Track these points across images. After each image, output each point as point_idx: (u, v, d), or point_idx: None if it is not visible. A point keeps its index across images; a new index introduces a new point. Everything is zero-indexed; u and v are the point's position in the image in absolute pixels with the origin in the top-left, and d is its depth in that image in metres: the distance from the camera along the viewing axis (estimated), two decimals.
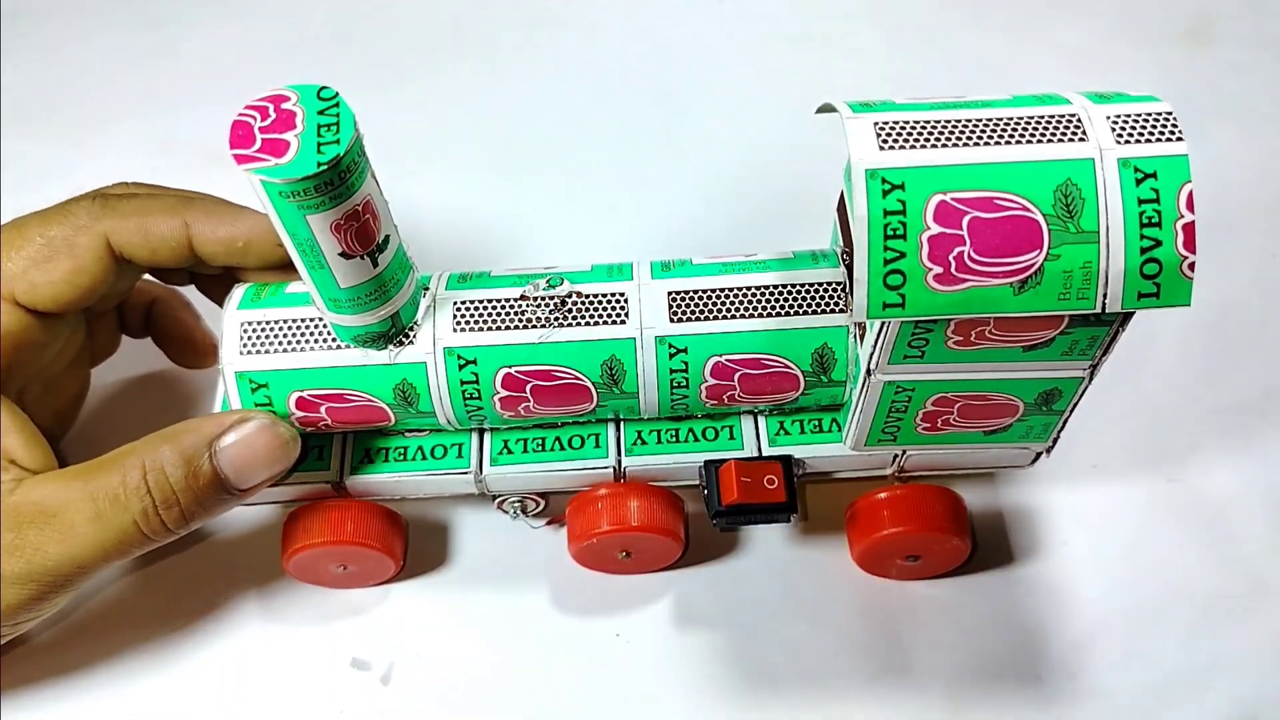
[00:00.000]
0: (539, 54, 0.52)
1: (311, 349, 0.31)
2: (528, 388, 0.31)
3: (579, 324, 0.31)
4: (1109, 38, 0.52)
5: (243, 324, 0.31)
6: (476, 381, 0.31)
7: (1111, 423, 0.40)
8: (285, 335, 0.31)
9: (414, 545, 0.38)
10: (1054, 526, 0.38)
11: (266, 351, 0.31)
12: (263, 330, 0.31)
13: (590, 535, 0.34)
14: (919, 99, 0.26)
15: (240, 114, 0.26)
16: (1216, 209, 0.46)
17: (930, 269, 0.25)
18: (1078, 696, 0.35)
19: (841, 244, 0.32)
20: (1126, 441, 0.40)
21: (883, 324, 0.27)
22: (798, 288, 0.31)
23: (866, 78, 0.50)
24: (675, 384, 0.32)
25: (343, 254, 0.27)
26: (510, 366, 0.31)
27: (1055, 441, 0.33)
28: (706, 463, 0.33)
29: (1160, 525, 0.38)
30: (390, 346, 0.31)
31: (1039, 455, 0.34)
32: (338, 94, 0.26)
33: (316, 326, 0.31)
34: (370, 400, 0.31)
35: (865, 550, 0.36)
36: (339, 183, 0.26)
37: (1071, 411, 0.31)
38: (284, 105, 0.26)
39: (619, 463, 0.34)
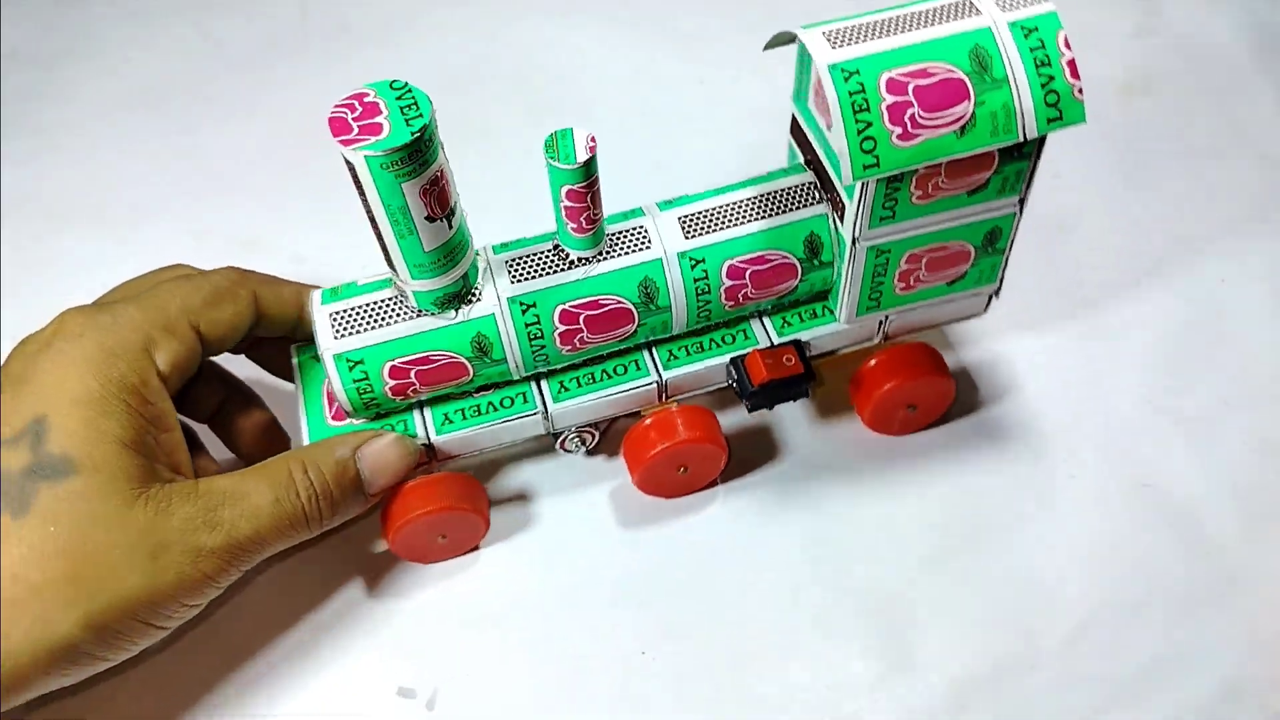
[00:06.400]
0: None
1: (395, 323, 0.36)
2: (581, 318, 0.37)
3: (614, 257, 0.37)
4: None
5: (331, 315, 0.36)
6: (538, 323, 0.36)
7: (1086, 436, 0.44)
8: (370, 316, 0.36)
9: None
10: (1039, 531, 0.41)
11: (357, 332, 0.36)
12: (350, 316, 0.36)
13: (648, 457, 0.39)
14: (848, 15, 0.34)
15: (333, 113, 0.31)
16: (1171, 240, 0.50)
17: (892, 130, 0.32)
18: (1071, 683, 0.38)
19: (802, 156, 0.39)
20: (1101, 453, 0.43)
21: (861, 192, 0.34)
22: (779, 193, 0.38)
23: None
24: (700, 291, 0.38)
25: (428, 217, 0.32)
26: (564, 303, 0.36)
27: (1001, 282, 0.40)
28: (732, 360, 0.40)
29: (1137, 526, 0.41)
30: (463, 305, 0.36)
31: (990, 300, 0.41)
32: (407, 83, 0.31)
33: (395, 303, 0.36)
34: (452, 357, 0.36)
35: (873, 410, 0.42)
36: (424, 150, 0.31)
37: (1010, 249, 0.39)
38: (366, 100, 0.31)
39: (660, 378, 0.39)
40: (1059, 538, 0.41)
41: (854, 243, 0.36)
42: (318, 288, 0.38)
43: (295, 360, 0.40)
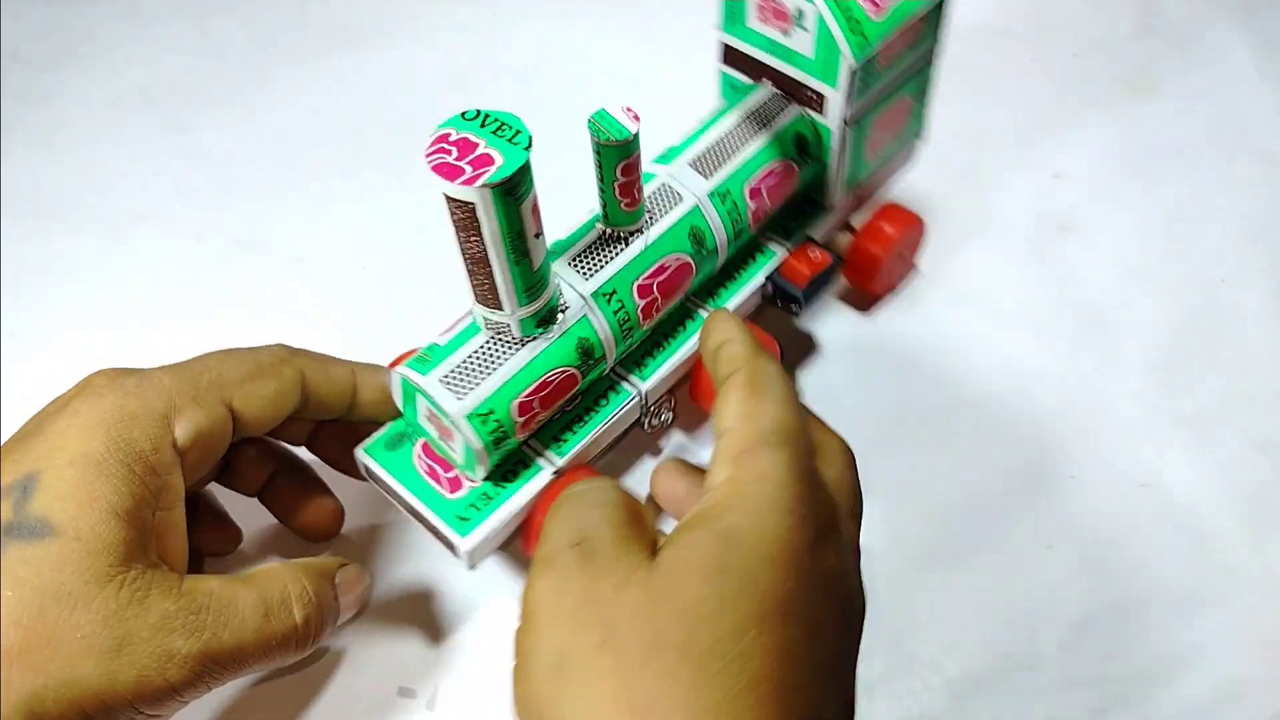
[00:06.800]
0: None
1: (506, 360, 0.35)
2: (654, 287, 0.38)
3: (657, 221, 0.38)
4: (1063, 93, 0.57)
5: (441, 380, 0.34)
6: (623, 307, 0.37)
7: (1085, 437, 0.44)
8: (480, 364, 0.35)
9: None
10: (1039, 531, 0.41)
11: (476, 385, 0.34)
12: (461, 373, 0.35)
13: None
14: None
15: (432, 161, 0.30)
16: (1171, 240, 0.50)
17: (867, 9, 0.37)
18: (1071, 684, 0.38)
19: (747, 78, 0.42)
20: (1101, 453, 0.43)
21: (852, 74, 0.38)
22: (757, 111, 0.41)
23: None
24: (734, 221, 0.39)
25: (537, 234, 0.32)
26: (637, 279, 0.37)
27: (924, 128, 0.46)
28: (768, 278, 0.42)
29: (1137, 526, 0.41)
30: (558, 317, 0.35)
31: (917, 146, 0.47)
32: (478, 110, 0.31)
33: (497, 343, 0.35)
34: (564, 371, 0.36)
35: (880, 273, 0.45)
36: (529, 168, 0.30)
37: (928, 96, 0.44)
38: (452, 138, 0.30)
39: None
40: (1059, 537, 0.41)
41: (845, 124, 0.40)
42: (378, 366, 0.37)
43: (369, 461, 0.37)
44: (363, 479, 0.38)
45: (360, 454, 0.37)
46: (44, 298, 0.50)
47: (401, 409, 0.37)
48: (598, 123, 0.33)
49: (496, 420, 0.34)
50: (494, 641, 0.39)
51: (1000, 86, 0.57)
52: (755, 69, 0.41)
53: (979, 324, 0.47)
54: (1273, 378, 0.45)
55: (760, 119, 0.40)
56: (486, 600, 0.41)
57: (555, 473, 0.37)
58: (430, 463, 0.37)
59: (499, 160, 0.29)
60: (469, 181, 0.29)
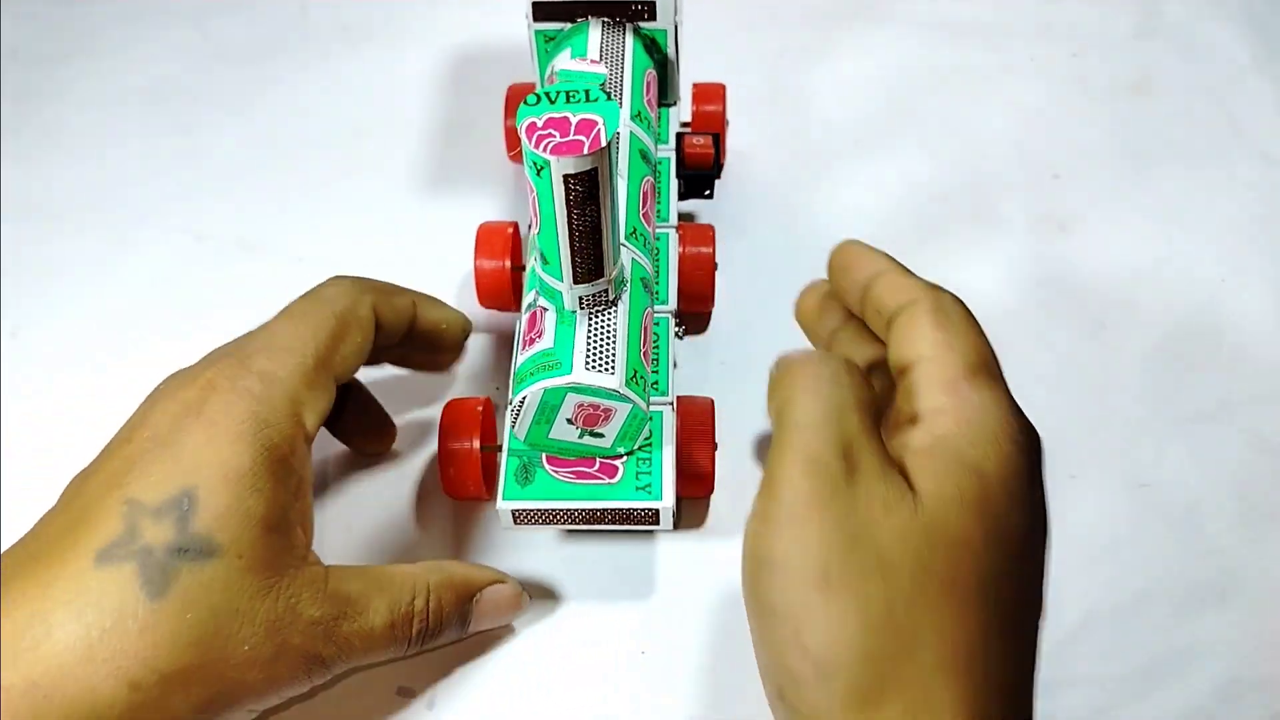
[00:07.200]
0: None
1: (614, 328, 0.36)
2: (646, 213, 0.40)
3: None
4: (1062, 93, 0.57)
5: (584, 369, 0.35)
6: (644, 240, 0.39)
7: (1086, 436, 0.44)
8: (602, 342, 0.35)
9: None
10: None
11: (613, 358, 0.35)
12: (594, 356, 0.35)
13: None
14: None
15: (546, 148, 0.30)
16: (1171, 240, 0.50)
17: None
18: (1072, 683, 0.38)
19: (564, 23, 0.44)
20: (1100, 453, 0.43)
21: None
22: (608, 40, 0.43)
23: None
24: (653, 132, 0.43)
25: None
26: (639, 208, 0.40)
27: None
28: (679, 172, 0.46)
29: (1136, 526, 0.41)
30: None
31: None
32: (536, 94, 0.31)
33: (597, 317, 0.36)
34: (646, 311, 0.38)
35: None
36: None
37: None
38: (540, 127, 0.30)
39: (675, 211, 0.45)
40: (1059, 537, 0.41)
41: (676, 23, 0.43)
42: (435, 298, 0.40)
43: (515, 506, 0.37)
44: (381, 449, 0.41)
45: (503, 506, 0.37)
46: (44, 298, 0.50)
47: (526, 434, 0.37)
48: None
49: (641, 377, 0.36)
50: (494, 641, 0.40)
51: (1000, 86, 0.57)
52: (570, 11, 0.43)
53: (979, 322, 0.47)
54: (1273, 378, 0.45)
55: (613, 48, 0.43)
56: None
57: (672, 407, 0.39)
58: (570, 470, 0.37)
59: (600, 119, 0.30)
60: (594, 147, 0.30)
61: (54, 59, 0.60)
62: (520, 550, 0.41)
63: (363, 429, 0.42)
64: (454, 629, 0.36)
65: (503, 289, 0.44)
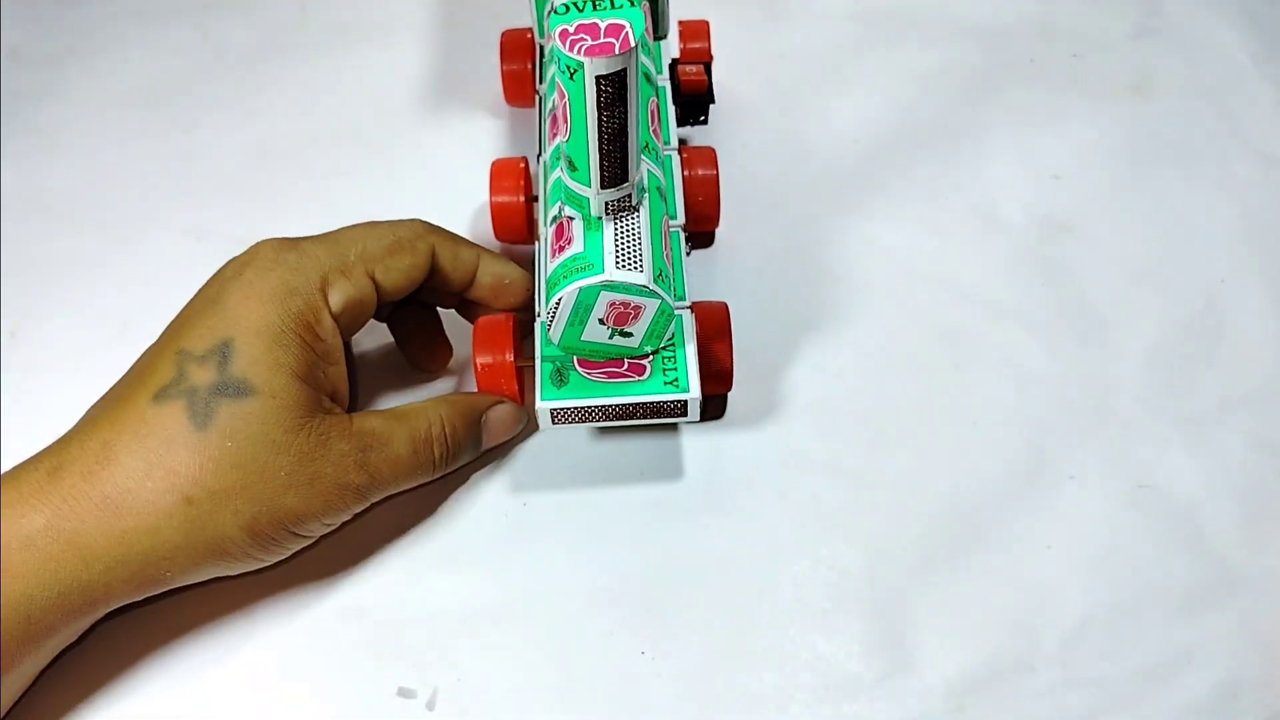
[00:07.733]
0: None
1: (640, 230, 0.37)
2: (653, 130, 0.42)
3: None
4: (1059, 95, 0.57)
5: (615, 268, 0.36)
6: (653, 152, 0.41)
7: (1085, 437, 0.44)
8: (628, 243, 0.37)
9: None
10: (1038, 532, 0.41)
11: (639, 257, 0.37)
12: (624, 256, 0.37)
13: None
14: None
15: (579, 50, 0.32)
16: (1171, 240, 0.50)
17: None
18: (1070, 685, 0.38)
19: None
20: (1100, 454, 0.43)
21: None
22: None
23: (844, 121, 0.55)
24: (653, 58, 0.45)
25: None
26: (649, 125, 0.41)
27: None
28: (677, 99, 0.48)
29: (1136, 527, 0.41)
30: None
31: None
32: (566, 3, 0.33)
33: (622, 221, 0.37)
34: (664, 216, 0.40)
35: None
36: None
37: None
38: (573, 33, 0.32)
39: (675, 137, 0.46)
40: (1059, 538, 0.41)
41: None
42: (502, 257, 0.42)
43: (553, 405, 0.39)
44: (436, 368, 0.45)
45: (542, 405, 0.39)
46: (44, 298, 0.50)
47: (560, 337, 0.39)
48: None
49: (665, 276, 0.38)
50: (494, 641, 0.40)
51: (1000, 86, 0.56)
52: None
53: (979, 324, 0.47)
54: (1273, 378, 0.45)
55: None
56: (490, 600, 0.41)
57: (690, 310, 0.40)
58: (601, 371, 0.39)
59: (628, 23, 0.32)
60: (624, 47, 0.32)
61: (54, 59, 0.60)
62: (520, 556, 0.41)
63: (423, 343, 0.45)
64: (469, 450, 0.41)
65: (518, 221, 0.47)
